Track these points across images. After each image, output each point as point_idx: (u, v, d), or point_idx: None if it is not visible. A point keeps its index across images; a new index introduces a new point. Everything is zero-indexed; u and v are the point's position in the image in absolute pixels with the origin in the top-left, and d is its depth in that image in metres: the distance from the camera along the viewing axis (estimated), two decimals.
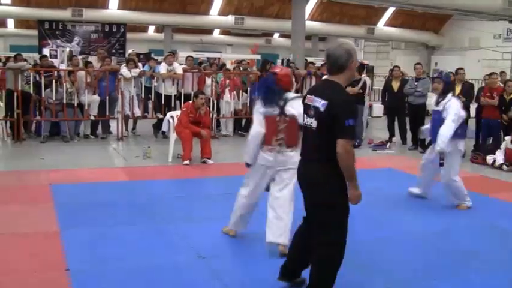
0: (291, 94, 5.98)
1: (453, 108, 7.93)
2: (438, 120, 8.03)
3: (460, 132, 8.09)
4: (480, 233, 7.04)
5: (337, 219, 4.57)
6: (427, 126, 8.89)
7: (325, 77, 4.86)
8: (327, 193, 4.50)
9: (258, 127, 5.92)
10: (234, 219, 6.38)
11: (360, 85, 14.13)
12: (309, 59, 22.68)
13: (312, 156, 4.60)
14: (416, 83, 13.30)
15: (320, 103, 4.40)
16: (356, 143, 13.69)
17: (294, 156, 5.62)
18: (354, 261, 5.74)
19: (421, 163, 8.70)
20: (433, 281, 5.39)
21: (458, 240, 6.65)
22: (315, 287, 4.60)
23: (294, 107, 5.71)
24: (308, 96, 4.63)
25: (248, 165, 6.03)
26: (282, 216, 5.81)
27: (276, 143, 5.86)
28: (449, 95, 8.18)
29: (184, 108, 11.19)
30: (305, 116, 4.64)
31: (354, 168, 4.35)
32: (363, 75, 14.48)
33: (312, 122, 4.50)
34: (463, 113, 8.15)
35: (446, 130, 7.79)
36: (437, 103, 8.18)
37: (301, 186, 4.75)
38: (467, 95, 12.63)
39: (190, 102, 11.38)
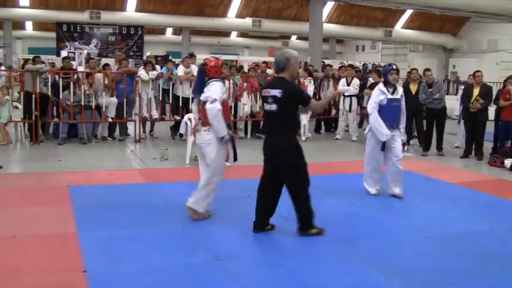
0: (212, 80, 6.93)
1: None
2: (400, 107, 8.83)
3: None
4: (499, 236, 6.97)
5: (295, 172, 6.42)
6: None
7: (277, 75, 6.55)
8: (288, 156, 6.36)
9: (218, 105, 6.73)
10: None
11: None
12: (327, 61, 22.71)
13: (275, 130, 6.43)
14: (430, 90, 13.07)
15: (277, 92, 6.26)
16: None
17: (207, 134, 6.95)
18: (373, 264, 5.73)
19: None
20: (453, 284, 5.34)
21: (477, 244, 6.59)
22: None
23: (207, 90, 6.82)
24: (264, 90, 6.57)
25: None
26: None
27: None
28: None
29: None
30: (264, 104, 6.48)
31: (322, 104, 7.00)
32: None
33: (272, 107, 6.32)
34: None
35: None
36: (392, 92, 8.78)
37: (267, 152, 6.47)
38: (485, 97, 12.54)
39: None
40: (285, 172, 6.42)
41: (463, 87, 15.75)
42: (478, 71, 13.08)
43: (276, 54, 6.59)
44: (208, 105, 6.68)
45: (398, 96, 8.78)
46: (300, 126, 13.16)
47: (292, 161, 6.39)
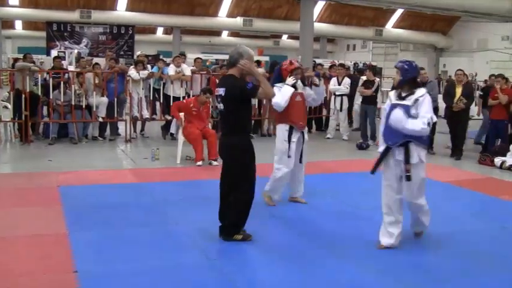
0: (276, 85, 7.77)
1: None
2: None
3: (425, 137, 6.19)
4: (490, 235, 6.99)
5: (242, 174, 6.20)
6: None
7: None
8: (234, 157, 6.20)
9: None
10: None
11: (374, 88, 14.13)
12: (317, 61, 22.70)
13: (225, 130, 6.34)
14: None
15: (221, 90, 6.13)
16: (364, 145, 13.66)
17: None
18: (364, 263, 5.74)
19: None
20: (444, 283, 5.36)
21: (468, 242, 6.60)
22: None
23: None
24: (216, 89, 6.37)
25: None
26: None
27: None
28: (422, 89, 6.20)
29: (185, 101, 11.53)
30: (217, 103, 6.37)
31: (268, 87, 6.23)
32: (377, 79, 14.65)
33: (220, 106, 6.21)
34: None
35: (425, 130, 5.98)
36: (404, 97, 6.10)
37: (219, 151, 6.55)
38: (468, 96, 12.58)
39: (193, 98, 11.60)
40: (230, 173, 6.27)
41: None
42: (458, 70, 13.11)
43: (230, 50, 6.43)
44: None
45: (407, 103, 6.02)
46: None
47: (237, 163, 6.21)
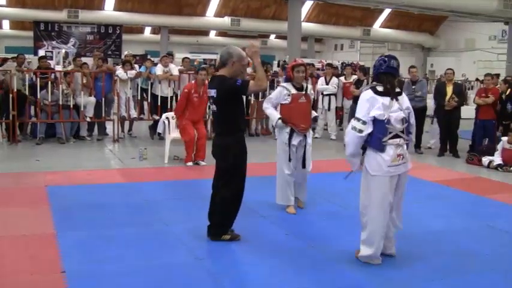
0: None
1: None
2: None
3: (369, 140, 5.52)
4: (477, 234, 7.03)
5: (233, 174, 6.17)
6: None
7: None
8: (224, 157, 6.16)
9: (265, 103, 7.86)
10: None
11: (362, 88, 14.15)
12: (305, 60, 22.72)
13: (218, 130, 6.35)
14: (413, 87, 13.09)
15: (213, 92, 6.09)
16: None
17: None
18: (351, 261, 5.75)
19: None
20: (431, 281, 5.37)
21: (455, 241, 6.63)
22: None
23: None
24: (207, 90, 6.40)
25: None
26: None
27: None
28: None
29: (186, 90, 11.08)
30: (210, 104, 6.67)
31: (260, 72, 5.95)
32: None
33: (213, 107, 6.21)
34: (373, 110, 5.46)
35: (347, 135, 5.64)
36: None
37: (213, 152, 6.36)
38: (458, 95, 12.69)
39: (192, 82, 11.45)
40: (222, 173, 6.23)
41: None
42: (448, 69, 13.22)
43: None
44: None
45: None
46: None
47: (229, 163, 6.15)
